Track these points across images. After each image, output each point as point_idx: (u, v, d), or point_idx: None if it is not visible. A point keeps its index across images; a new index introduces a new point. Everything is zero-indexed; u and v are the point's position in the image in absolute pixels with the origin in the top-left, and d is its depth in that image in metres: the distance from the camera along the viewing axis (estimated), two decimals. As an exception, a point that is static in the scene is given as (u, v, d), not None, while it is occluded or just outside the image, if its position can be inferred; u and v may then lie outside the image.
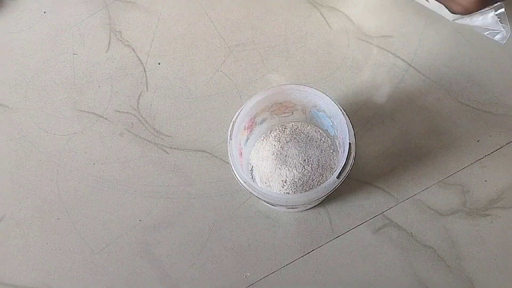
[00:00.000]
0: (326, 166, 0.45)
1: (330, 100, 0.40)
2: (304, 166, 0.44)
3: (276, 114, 0.45)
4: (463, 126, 0.49)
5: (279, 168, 0.44)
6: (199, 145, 0.50)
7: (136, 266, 0.46)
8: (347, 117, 0.39)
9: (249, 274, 0.46)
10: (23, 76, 0.53)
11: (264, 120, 0.45)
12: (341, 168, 0.38)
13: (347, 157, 0.38)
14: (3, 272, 0.47)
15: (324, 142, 0.46)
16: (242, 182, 0.39)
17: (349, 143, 0.38)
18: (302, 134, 0.46)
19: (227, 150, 0.40)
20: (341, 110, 0.39)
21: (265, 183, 0.45)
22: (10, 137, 0.51)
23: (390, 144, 0.48)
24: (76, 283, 0.46)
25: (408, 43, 0.52)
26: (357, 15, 0.53)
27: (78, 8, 0.56)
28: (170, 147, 0.50)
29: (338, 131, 0.42)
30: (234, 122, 0.40)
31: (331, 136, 0.45)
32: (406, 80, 0.51)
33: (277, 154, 0.45)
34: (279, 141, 0.46)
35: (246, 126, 0.42)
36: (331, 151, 0.45)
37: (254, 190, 0.39)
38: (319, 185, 0.44)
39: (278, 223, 0.47)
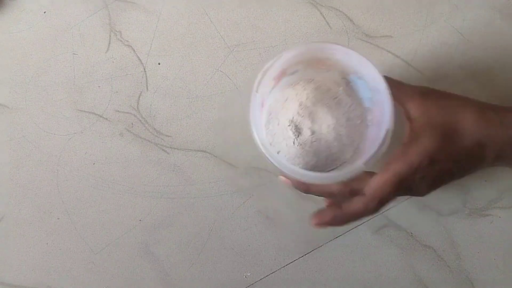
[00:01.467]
0: (349, 137, 0.40)
1: (379, 74, 0.35)
2: (325, 129, 0.40)
3: (311, 68, 0.40)
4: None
5: (300, 123, 0.40)
6: (199, 145, 0.50)
7: (136, 266, 0.46)
8: (392, 100, 0.35)
9: (249, 274, 0.46)
10: (23, 76, 0.53)
11: (295, 71, 0.40)
12: (370, 155, 0.34)
13: (381, 143, 0.34)
14: (3, 272, 0.47)
15: (353, 110, 0.41)
16: (260, 146, 0.35)
17: (386, 129, 0.34)
18: (331, 93, 0.41)
19: (250, 104, 0.35)
20: (389, 90, 0.35)
21: (281, 135, 0.40)
22: (10, 137, 0.51)
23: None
24: (76, 283, 0.46)
25: (408, 43, 0.52)
26: (357, 15, 0.53)
27: (78, 8, 0.56)
28: (170, 147, 0.50)
29: (376, 108, 0.37)
30: (265, 72, 0.35)
31: (364, 108, 0.40)
32: (406, 80, 0.51)
33: (300, 109, 0.40)
34: (305, 94, 0.41)
35: (275, 76, 0.38)
36: (358, 122, 0.40)
37: (274, 161, 0.35)
38: (336, 156, 0.40)
39: (278, 223, 0.47)
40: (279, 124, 0.41)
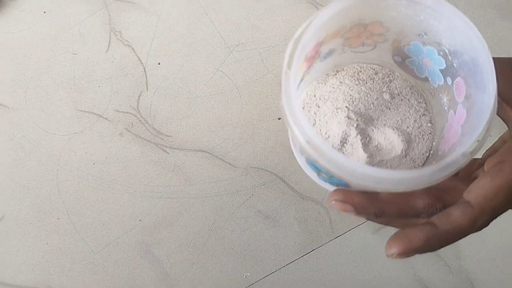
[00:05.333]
0: (410, 134, 0.30)
1: (472, 26, 0.24)
2: (384, 135, 0.30)
3: (350, 46, 0.30)
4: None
5: (348, 136, 0.29)
6: (199, 145, 0.50)
7: (136, 266, 0.46)
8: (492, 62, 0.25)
9: (249, 274, 0.46)
10: (23, 76, 0.53)
11: (331, 52, 0.29)
12: (474, 139, 0.25)
13: (488, 120, 0.25)
14: (3, 272, 0.47)
15: (415, 99, 0.31)
16: (302, 140, 0.24)
17: (492, 101, 0.24)
18: (383, 84, 0.31)
19: (281, 85, 0.24)
20: (488, 51, 0.25)
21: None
22: (10, 137, 0.51)
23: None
24: (76, 283, 0.46)
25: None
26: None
27: (78, 8, 0.56)
28: (170, 147, 0.50)
29: (459, 81, 0.27)
30: (296, 41, 0.25)
31: (433, 88, 0.29)
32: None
33: (341, 107, 0.30)
34: (349, 87, 0.31)
35: (308, 55, 0.27)
36: (420, 113, 0.30)
37: (324, 158, 0.23)
38: (393, 162, 0.29)
39: (278, 223, 0.47)
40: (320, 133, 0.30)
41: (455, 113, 0.28)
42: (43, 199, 0.49)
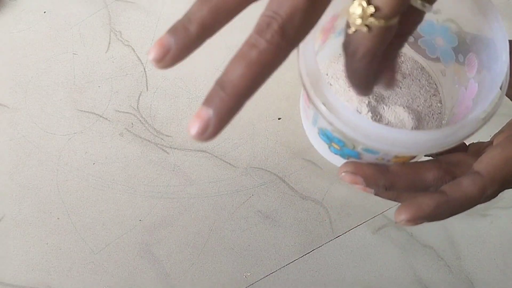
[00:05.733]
0: (420, 113, 0.30)
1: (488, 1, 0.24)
2: (395, 113, 0.30)
3: None
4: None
5: (354, 103, 0.30)
6: (199, 145, 0.50)
7: (136, 266, 0.46)
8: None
9: (249, 274, 0.46)
10: (23, 76, 0.53)
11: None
12: (488, 105, 0.25)
13: (501, 87, 0.25)
14: (3, 272, 0.47)
15: (425, 80, 0.31)
16: (321, 108, 0.23)
17: (507, 67, 0.24)
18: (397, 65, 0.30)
19: (298, 48, 0.24)
20: (499, 17, 0.24)
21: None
22: (10, 137, 0.51)
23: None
24: (76, 283, 0.46)
25: (408, 43, 0.52)
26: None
27: (78, 8, 0.56)
28: (170, 147, 0.50)
29: (470, 56, 0.27)
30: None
31: (444, 68, 0.30)
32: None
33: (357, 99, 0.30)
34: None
35: (324, 27, 0.27)
36: (430, 93, 0.31)
37: (341, 121, 0.23)
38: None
39: (278, 223, 0.47)
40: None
41: (466, 89, 0.27)
42: (43, 199, 0.49)
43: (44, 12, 0.56)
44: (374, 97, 0.29)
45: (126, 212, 0.48)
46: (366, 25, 0.21)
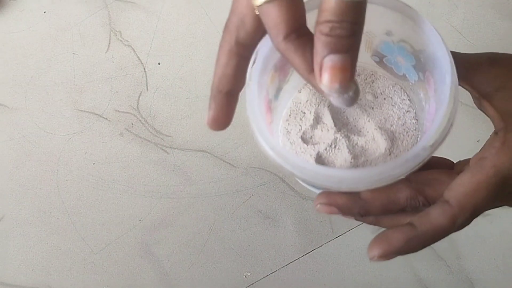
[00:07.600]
0: (394, 132, 0.30)
1: (425, 20, 0.25)
2: (365, 137, 0.30)
3: None
4: (463, 126, 0.49)
5: (328, 131, 0.30)
6: (199, 145, 0.50)
7: (136, 266, 0.46)
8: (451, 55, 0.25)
9: (249, 274, 0.46)
10: (23, 76, 0.53)
11: None
12: (435, 131, 0.24)
13: (445, 112, 0.24)
14: (3, 272, 0.47)
15: (398, 97, 0.31)
16: (267, 148, 0.24)
17: (451, 91, 0.24)
18: (365, 85, 0.31)
19: (246, 99, 0.25)
20: (444, 43, 0.25)
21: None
22: (10, 137, 0.51)
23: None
24: (76, 283, 0.46)
25: (408, 43, 0.52)
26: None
27: (78, 8, 0.56)
28: (170, 147, 0.50)
29: (427, 75, 0.27)
30: (257, 53, 0.25)
31: (411, 84, 0.30)
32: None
33: (325, 113, 0.30)
34: (322, 100, 0.31)
35: (277, 65, 0.27)
36: (404, 110, 0.30)
37: (288, 164, 0.24)
38: (377, 161, 0.29)
39: (278, 223, 0.47)
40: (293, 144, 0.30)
41: (429, 108, 0.28)
42: (43, 199, 0.49)
43: (44, 12, 0.56)
44: (347, 122, 0.30)
45: (126, 212, 0.48)
46: None
